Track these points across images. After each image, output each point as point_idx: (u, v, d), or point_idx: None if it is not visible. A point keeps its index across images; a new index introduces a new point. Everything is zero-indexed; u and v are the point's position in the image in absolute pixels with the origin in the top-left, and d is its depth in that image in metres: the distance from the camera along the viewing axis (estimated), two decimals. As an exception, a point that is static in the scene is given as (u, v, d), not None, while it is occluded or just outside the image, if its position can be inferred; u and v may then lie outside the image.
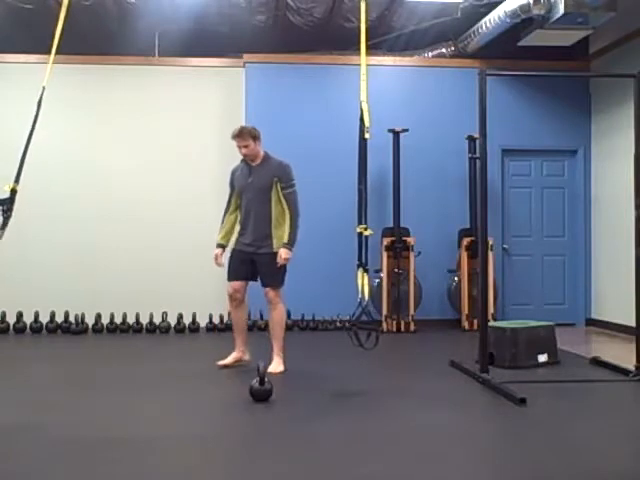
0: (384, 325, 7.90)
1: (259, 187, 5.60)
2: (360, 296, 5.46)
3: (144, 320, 7.93)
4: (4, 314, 7.81)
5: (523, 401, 4.50)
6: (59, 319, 7.84)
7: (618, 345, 7.20)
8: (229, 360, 5.76)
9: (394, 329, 7.97)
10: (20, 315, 7.77)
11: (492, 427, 4.30)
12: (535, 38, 7.54)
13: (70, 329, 7.79)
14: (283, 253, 5.50)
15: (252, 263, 5.65)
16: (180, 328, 7.92)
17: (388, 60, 8.51)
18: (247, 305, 5.87)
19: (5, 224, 5.18)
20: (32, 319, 7.78)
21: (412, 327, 7.98)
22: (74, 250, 8.17)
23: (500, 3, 7.31)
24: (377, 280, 8.01)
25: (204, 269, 7.85)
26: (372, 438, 3.88)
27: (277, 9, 7.85)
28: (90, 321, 7.85)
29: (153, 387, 5.19)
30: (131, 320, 7.92)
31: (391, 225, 8.12)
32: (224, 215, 5.86)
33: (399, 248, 8.01)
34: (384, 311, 8.00)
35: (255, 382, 4.58)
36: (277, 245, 5.57)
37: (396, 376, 5.71)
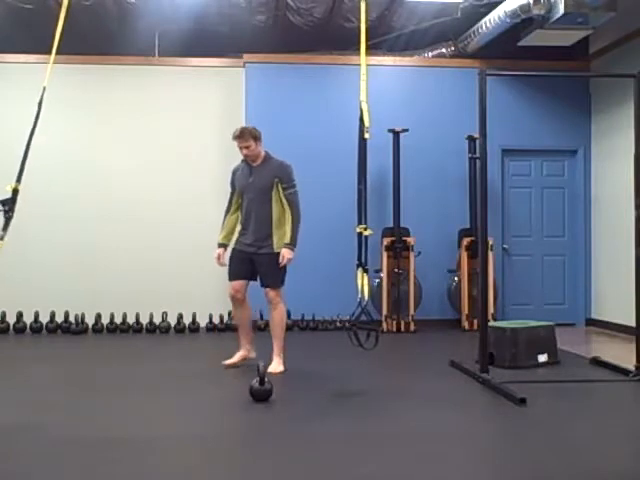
0: (384, 325, 7.91)
1: (260, 187, 5.60)
2: (360, 296, 5.45)
3: (144, 320, 7.93)
4: (4, 314, 7.81)
5: (523, 401, 4.50)
6: (59, 319, 7.84)
7: (618, 345, 7.20)
8: (235, 359, 5.76)
9: (394, 329, 7.97)
10: (20, 315, 7.78)
11: (492, 427, 4.30)
12: (535, 38, 7.54)
13: (70, 329, 7.79)
14: (286, 253, 5.50)
15: (252, 263, 5.65)
16: (180, 328, 7.92)
17: (388, 60, 8.51)
18: (249, 304, 5.86)
19: (7, 224, 5.18)
20: (32, 319, 7.78)
21: (412, 327, 7.98)
22: (74, 250, 8.17)
23: (500, 3, 7.31)
24: (377, 280, 8.02)
25: (204, 269, 7.89)
26: (372, 438, 3.88)
27: (277, 9, 7.85)
28: (90, 321, 7.86)
29: (153, 387, 5.19)
30: (131, 320, 7.93)
31: (391, 225, 8.12)
32: (225, 215, 5.87)
33: (399, 248, 8.01)
34: (384, 311, 8.00)
35: (255, 382, 4.58)
36: (277, 245, 5.57)
37: (396, 376, 5.71)
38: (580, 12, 6.87)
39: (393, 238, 8.04)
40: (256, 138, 5.60)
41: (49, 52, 5.55)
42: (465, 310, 8.15)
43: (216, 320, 8.03)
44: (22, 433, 3.93)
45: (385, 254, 8.03)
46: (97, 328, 7.84)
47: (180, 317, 7.92)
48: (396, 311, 8.00)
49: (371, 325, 5.36)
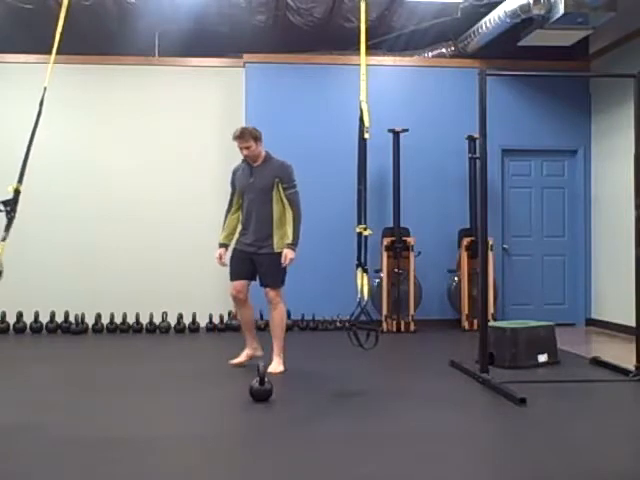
0: (384, 325, 7.91)
1: (260, 187, 5.60)
2: (359, 296, 5.45)
3: (144, 320, 7.94)
4: (4, 314, 7.81)
5: (523, 401, 4.50)
6: (59, 319, 7.84)
7: (618, 345, 7.20)
8: (242, 358, 5.77)
9: (394, 329, 7.97)
10: (20, 315, 7.78)
11: (492, 427, 4.30)
12: (535, 38, 7.54)
13: (70, 329, 7.79)
14: (288, 254, 5.50)
15: (252, 263, 5.65)
16: (180, 328, 7.92)
17: (388, 60, 8.51)
18: (251, 303, 5.86)
19: (9, 225, 5.18)
20: (32, 319, 7.78)
21: (412, 327, 7.98)
22: (74, 250, 8.18)
23: (500, 3, 7.31)
24: (377, 280, 8.02)
25: (204, 269, 7.90)
26: (372, 438, 3.88)
27: (277, 9, 7.85)
28: (90, 321, 7.86)
29: (153, 387, 5.19)
30: (131, 320, 7.93)
31: (391, 225, 8.13)
32: (226, 215, 5.87)
33: (399, 248, 8.01)
34: (384, 311, 8.00)
35: (255, 382, 4.58)
36: (278, 245, 5.57)
37: (396, 376, 5.71)
38: (580, 12, 6.88)
39: (393, 238, 8.04)
40: (256, 138, 5.60)
41: (49, 52, 5.55)
42: (465, 310, 8.15)
43: (216, 320, 8.02)
44: (22, 433, 3.93)
45: (385, 254, 8.03)
46: (97, 328, 7.84)
47: (180, 317, 7.92)
48: (396, 311, 8.00)
49: (371, 325, 5.36)
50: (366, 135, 5.73)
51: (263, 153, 5.67)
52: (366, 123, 5.69)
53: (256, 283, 5.75)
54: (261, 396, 4.57)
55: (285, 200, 5.58)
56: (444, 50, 8.55)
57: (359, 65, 5.88)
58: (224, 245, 5.82)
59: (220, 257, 5.76)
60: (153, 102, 8.42)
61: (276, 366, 5.56)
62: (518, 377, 5.28)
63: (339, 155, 7.80)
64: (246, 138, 5.56)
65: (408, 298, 8.00)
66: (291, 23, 8.04)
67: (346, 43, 8.09)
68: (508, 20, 7.27)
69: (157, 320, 7.93)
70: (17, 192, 5.22)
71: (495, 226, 8.13)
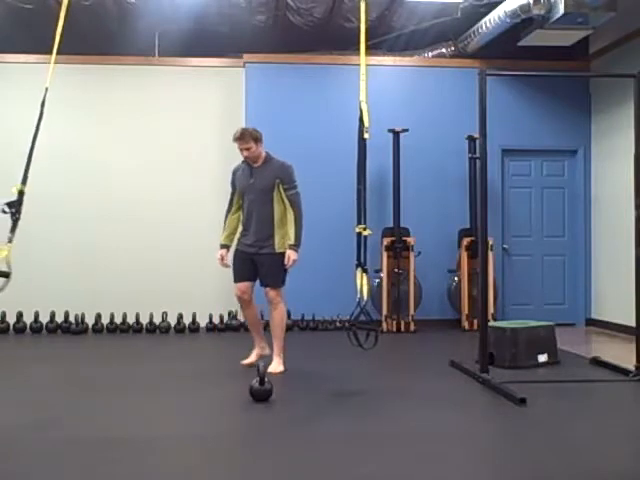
0: (384, 325, 7.91)
1: (261, 188, 5.59)
2: (359, 296, 5.45)
3: (144, 320, 7.94)
4: (4, 314, 7.81)
5: (523, 401, 4.50)
6: (59, 319, 7.84)
7: (618, 345, 7.20)
8: (252, 358, 5.76)
9: (394, 329, 7.97)
10: (20, 315, 7.78)
11: (492, 427, 4.30)
12: (535, 38, 7.54)
13: (70, 329, 7.79)
14: (291, 254, 5.50)
15: (253, 263, 5.64)
16: (180, 328, 7.92)
17: (388, 60, 8.51)
18: (256, 303, 5.86)
19: (14, 226, 5.19)
20: (32, 319, 7.78)
21: (412, 327, 7.98)
22: (74, 250, 8.18)
23: (500, 3, 7.31)
24: (377, 280, 8.02)
25: (204, 269, 7.90)
26: (372, 438, 3.88)
27: (277, 9, 7.85)
28: (90, 321, 7.86)
29: (153, 387, 5.19)
30: (131, 320, 7.93)
31: (391, 225, 8.12)
32: (226, 215, 5.86)
33: (399, 248, 8.01)
34: (384, 311, 8.00)
35: (255, 382, 4.58)
36: (279, 245, 5.57)
37: (396, 376, 5.71)
38: (580, 12, 6.87)
39: (393, 238, 8.04)
40: (257, 139, 5.59)
41: (49, 52, 5.54)
42: (465, 310, 8.15)
43: (216, 320, 8.02)
44: (22, 433, 3.93)
45: (385, 254, 8.03)
46: (97, 328, 7.84)
47: (180, 317, 7.92)
48: (396, 311, 8.00)
49: (370, 325, 5.36)
50: (366, 135, 5.73)
51: (263, 154, 5.66)
52: (366, 123, 5.69)
53: (257, 283, 5.75)
54: (261, 396, 4.57)
55: (286, 201, 5.58)
56: (444, 50, 8.55)
57: (359, 65, 5.88)
58: (225, 246, 5.81)
59: (222, 258, 5.76)
60: (153, 102, 8.42)
61: (276, 366, 5.56)
62: (518, 377, 5.28)
63: (339, 155, 7.79)
64: (246, 139, 5.55)
65: (408, 298, 8.00)
66: (291, 23, 8.04)
67: (346, 43, 8.09)
68: (508, 20, 7.27)
69: (157, 320, 7.93)
70: (21, 193, 5.23)
71: (495, 226, 8.13)
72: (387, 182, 8.21)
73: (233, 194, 5.83)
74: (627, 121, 6.95)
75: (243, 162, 5.74)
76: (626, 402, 4.92)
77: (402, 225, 8.08)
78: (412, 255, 8.02)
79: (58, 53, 5.59)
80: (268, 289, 5.62)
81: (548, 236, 8.72)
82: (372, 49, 7.87)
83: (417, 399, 4.81)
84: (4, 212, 5.16)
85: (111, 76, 8.33)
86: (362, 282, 5.47)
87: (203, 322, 8.01)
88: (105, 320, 7.91)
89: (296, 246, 5.53)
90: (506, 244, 8.58)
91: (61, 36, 5.58)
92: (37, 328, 7.79)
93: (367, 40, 6.01)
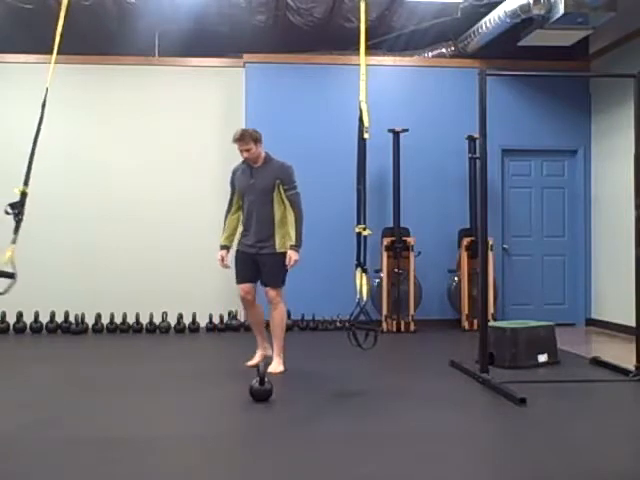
0: (384, 325, 7.91)
1: (261, 189, 5.59)
2: (358, 296, 5.45)
3: (144, 320, 7.93)
4: (4, 314, 7.81)
5: (523, 401, 4.50)
6: (59, 319, 7.84)
7: (618, 345, 7.20)
8: (257, 360, 5.74)
9: (394, 329, 7.97)
10: (20, 315, 7.77)
11: (492, 427, 4.30)
12: (535, 38, 7.54)
13: (70, 329, 7.79)
14: (293, 255, 5.50)
15: (255, 263, 5.64)
16: (180, 328, 7.92)
17: (388, 60, 8.51)
18: (259, 304, 5.85)
19: (18, 227, 5.20)
20: (32, 319, 7.78)
21: (412, 327, 7.98)
22: (74, 250, 8.18)
23: (500, 3, 7.31)
24: (377, 280, 8.02)
25: (204, 269, 7.90)
26: (372, 438, 3.88)
27: (277, 9, 7.85)
28: (90, 321, 7.86)
29: (153, 387, 5.19)
30: (131, 320, 7.93)
31: (391, 225, 8.13)
32: (226, 216, 5.85)
33: (399, 248, 8.01)
34: (384, 311, 8.00)
35: (255, 382, 4.58)
36: (280, 245, 5.57)
37: (396, 376, 5.70)
38: (580, 12, 6.87)
39: (393, 238, 8.04)
40: (256, 140, 5.58)
41: (49, 52, 5.54)
42: (465, 310, 8.15)
43: (216, 320, 8.02)
44: (22, 433, 3.93)
45: (385, 254, 8.03)
46: (97, 328, 7.84)
47: (180, 317, 7.92)
48: (396, 311, 8.00)
49: (370, 325, 5.36)
50: (365, 135, 5.73)
51: (263, 154, 5.66)
52: (366, 123, 5.69)
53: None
54: (261, 396, 4.57)
55: (286, 201, 5.58)
56: (444, 50, 8.55)
57: (359, 65, 5.88)
58: (225, 247, 5.81)
59: (222, 259, 5.76)
60: (153, 102, 8.42)
61: (276, 366, 5.57)
62: (518, 377, 5.28)
63: (339, 155, 7.79)
64: (246, 140, 5.55)
65: (408, 298, 8.00)
66: (291, 23, 8.04)
67: (346, 43, 8.08)
68: (508, 20, 7.27)
69: (157, 320, 7.93)
70: (24, 194, 5.24)
71: (495, 226, 8.13)
72: (387, 182, 8.21)
73: (233, 194, 5.82)
74: (627, 121, 6.95)
75: (243, 162, 5.74)
76: (626, 402, 4.91)
77: (402, 225, 8.08)
78: (412, 255, 8.02)
79: (58, 53, 5.60)
80: (268, 289, 5.62)
81: (548, 236, 8.72)
82: (372, 49, 7.87)
83: (417, 399, 4.81)
84: (7, 213, 5.17)
85: (111, 76, 8.33)
86: (362, 282, 5.47)
87: (203, 322, 8.01)
88: (105, 320, 7.91)
89: (297, 246, 5.54)
90: (506, 244, 8.58)
91: (61, 36, 5.58)
92: (37, 328, 7.79)
93: (367, 40, 6.01)
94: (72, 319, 7.81)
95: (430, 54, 8.60)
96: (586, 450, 3.71)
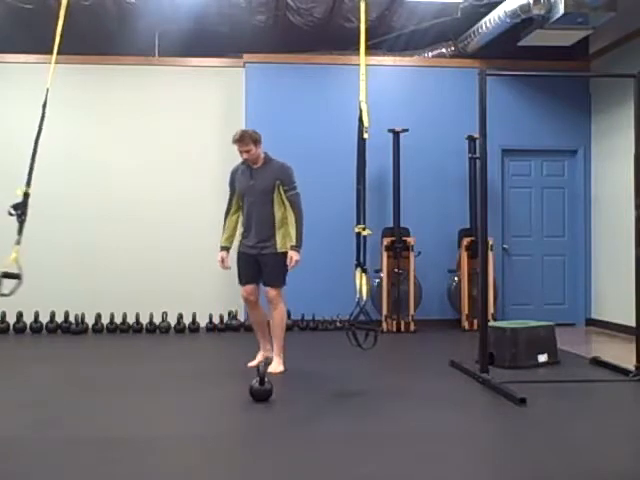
0: (384, 325, 7.91)
1: (261, 189, 5.59)
2: (358, 296, 5.45)
3: (144, 320, 7.93)
4: (4, 314, 7.81)
5: (523, 401, 4.50)
6: (59, 319, 7.84)
7: (618, 345, 7.20)
8: (258, 361, 5.73)
9: (394, 329, 7.97)
10: (20, 315, 7.77)
11: (492, 427, 4.30)
12: (535, 38, 7.54)
13: (70, 329, 7.79)
14: (294, 255, 5.51)
15: (257, 264, 5.64)
16: (180, 328, 7.92)
17: (388, 60, 8.51)
18: (262, 305, 5.85)
19: (21, 228, 5.20)
20: (32, 319, 7.78)
21: (412, 327, 7.98)
22: (74, 250, 8.17)
23: (500, 3, 7.31)
24: (377, 280, 8.01)
25: (204, 269, 7.90)
26: (372, 438, 3.88)
27: (277, 9, 7.85)
28: (90, 321, 7.86)
29: (153, 387, 5.19)
30: (131, 320, 7.93)
31: (391, 225, 8.13)
32: (225, 217, 5.84)
33: (399, 248, 8.01)
34: (384, 311, 8.00)
35: (255, 382, 4.58)
36: (281, 245, 5.57)
37: (396, 376, 5.70)
38: (580, 12, 6.87)
39: (393, 238, 8.04)
40: (256, 141, 5.58)
41: (49, 52, 5.54)
42: (465, 310, 8.15)
43: (216, 320, 8.02)
44: (22, 433, 3.93)
45: (385, 254, 8.03)
46: (97, 328, 7.84)
47: (180, 317, 7.92)
48: (396, 311, 8.00)
49: (370, 325, 5.36)
50: (365, 135, 5.73)
51: (262, 155, 5.66)
52: (365, 123, 5.69)
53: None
54: (261, 396, 4.57)
55: (286, 202, 5.58)
56: (444, 50, 8.55)
57: (359, 65, 5.88)
58: (225, 248, 5.80)
59: (222, 260, 5.76)
60: (153, 102, 8.42)
61: (276, 366, 5.57)
62: (518, 377, 5.28)
63: (339, 155, 7.79)
64: (246, 142, 5.55)
65: (408, 298, 8.00)
66: (291, 23, 8.04)
67: (346, 43, 8.08)
68: (508, 20, 7.27)
69: (157, 320, 7.93)
70: (26, 195, 5.24)
71: (495, 226, 8.13)
72: (387, 182, 8.21)
73: (232, 195, 5.81)
74: (627, 121, 6.95)
75: (242, 163, 5.73)
76: (626, 402, 4.91)
77: (402, 225, 8.08)
78: (412, 255, 8.02)
79: (58, 53, 5.60)
80: (269, 288, 5.63)
81: (548, 236, 8.72)
82: (372, 49, 7.87)
83: (417, 399, 4.81)
84: (10, 214, 5.18)
85: (111, 76, 8.33)
86: (361, 282, 5.47)
87: (203, 322, 8.01)
88: (105, 320, 7.91)
89: (298, 247, 5.54)
90: (506, 244, 8.58)
91: (61, 36, 5.58)
92: (37, 328, 7.79)
93: (367, 40, 6.01)
94: (72, 319, 7.81)
95: (430, 54, 8.60)
96: (586, 450, 3.71)
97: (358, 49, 5.87)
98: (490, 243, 7.24)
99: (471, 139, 8.12)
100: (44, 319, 7.80)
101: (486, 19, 7.61)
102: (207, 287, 8.15)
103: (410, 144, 8.13)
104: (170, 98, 8.42)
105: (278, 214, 5.59)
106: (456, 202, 8.38)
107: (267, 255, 5.58)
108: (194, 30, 8.06)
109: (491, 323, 6.26)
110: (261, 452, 3.67)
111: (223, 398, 4.90)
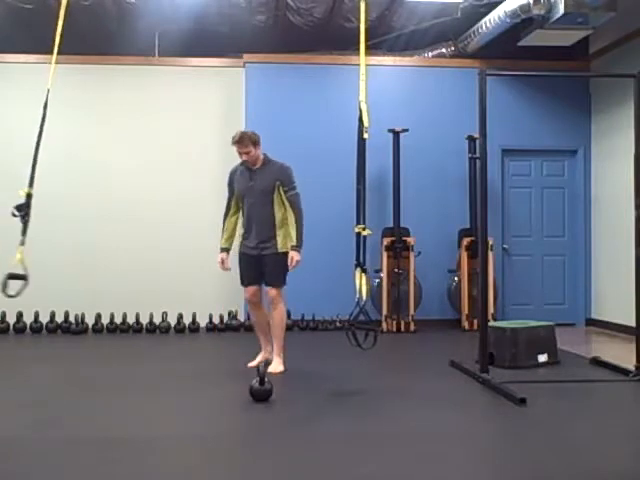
0: (384, 325, 7.91)
1: (261, 190, 5.59)
2: (358, 296, 5.45)
3: (144, 320, 7.93)
4: (4, 314, 7.81)
5: (523, 401, 4.50)
6: (59, 319, 7.84)
7: (618, 345, 7.20)
8: (258, 361, 5.72)
9: (394, 329, 7.97)
10: (20, 315, 7.77)
11: (492, 427, 4.30)
12: (535, 38, 7.54)
13: (70, 329, 7.79)
14: (295, 255, 5.51)
15: (258, 264, 5.64)
16: (180, 328, 7.92)
17: (388, 60, 8.51)
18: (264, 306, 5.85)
19: (25, 229, 5.21)
20: (32, 319, 7.78)
21: (412, 327, 7.98)
22: (74, 250, 8.18)
23: (500, 3, 7.31)
24: (377, 280, 8.01)
25: (204, 269, 7.90)
26: (372, 438, 3.88)
27: (277, 9, 7.85)
28: (90, 321, 7.86)
29: (153, 387, 5.19)
30: (131, 320, 7.93)
31: (391, 225, 8.13)
32: (224, 218, 5.83)
33: (399, 248, 8.01)
34: (384, 311, 8.00)
35: (255, 382, 4.58)
36: (281, 245, 5.57)
37: (396, 376, 5.71)
38: (580, 12, 6.88)
39: (393, 238, 8.04)
40: (255, 143, 5.58)
41: (49, 52, 5.54)
42: (465, 310, 8.15)
43: (216, 320, 8.02)
44: (22, 433, 3.93)
45: (385, 254, 8.03)
46: (97, 328, 7.84)
47: (180, 317, 7.92)
48: (396, 311, 8.00)
49: (369, 325, 5.36)
50: (365, 135, 5.73)
51: (261, 156, 5.66)
52: (365, 123, 5.69)
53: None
54: (261, 396, 4.57)
55: (286, 202, 5.58)
56: (444, 50, 8.55)
57: (359, 65, 5.88)
58: (225, 249, 5.79)
59: (222, 262, 5.76)
60: (153, 102, 8.42)
61: (276, 366, 5.56)
62: (518, 377, 5.28)
63: (339, 155, 7.79)
64: (245, 143, 5.54)
65: (408, 298, 7.99)
66: (291, 23, 8.04)
67: (346, 43, 8.09)
68: (508, 20, 7.27)
69: (157, 320, 7.93)
70: (29, 196, 5.24)
71: (495, 226, 8.13)
72: (387, 182, 8.21)
73: (231, 196, 5.80)
74: (627, 121, 6.95)
75: (241, 164, 5.73)
76: (626, 402, 4.92)
77: (402, 225, 8.08)
78: (412, 255, 8.02)
79: (58, 53, 5.60)
80: (270, 288, 5.63)
81: (548, 236, 8.72)
82: (372, 49, 7.87)
83: (417, 399, 4.81)
84: (14, 215, 5.18)
85: (111, 76, 8.33)
86: (361, 282, 5.47)
87: (203, 322, 8.01)
88: (105, 320, 7.91)
89: (298, 247, 5.54)
90: (506, 244, 8.58)
91: (61, 36, 5.59)
92: (37, 328, 7.79)
93: (367, 40, 6.01)
94: (72, 319, 7.81)
95: (430, 54, 8.60)
96: (586, 450, 3.71)
97: (358, 49, 5.87)
98: (490, 243, 7.24)
99: (471, 139, 8.12)
100: (44, 319, 7.80)
101: (486, 19, 7.61)
102: (207, 287, 8.15)
103: (410, 144, 8.13)
104: (170, 98, 8.42)
105: (278, 215, 5.59)
106: (456, 202, 8.38)
107: (268, 255, 5.59)
108: (194, 30, 8.07)
109: (491, 323, 6.26)
110: (261, 452, 3.67)
111: (223, 398, 4.90)
